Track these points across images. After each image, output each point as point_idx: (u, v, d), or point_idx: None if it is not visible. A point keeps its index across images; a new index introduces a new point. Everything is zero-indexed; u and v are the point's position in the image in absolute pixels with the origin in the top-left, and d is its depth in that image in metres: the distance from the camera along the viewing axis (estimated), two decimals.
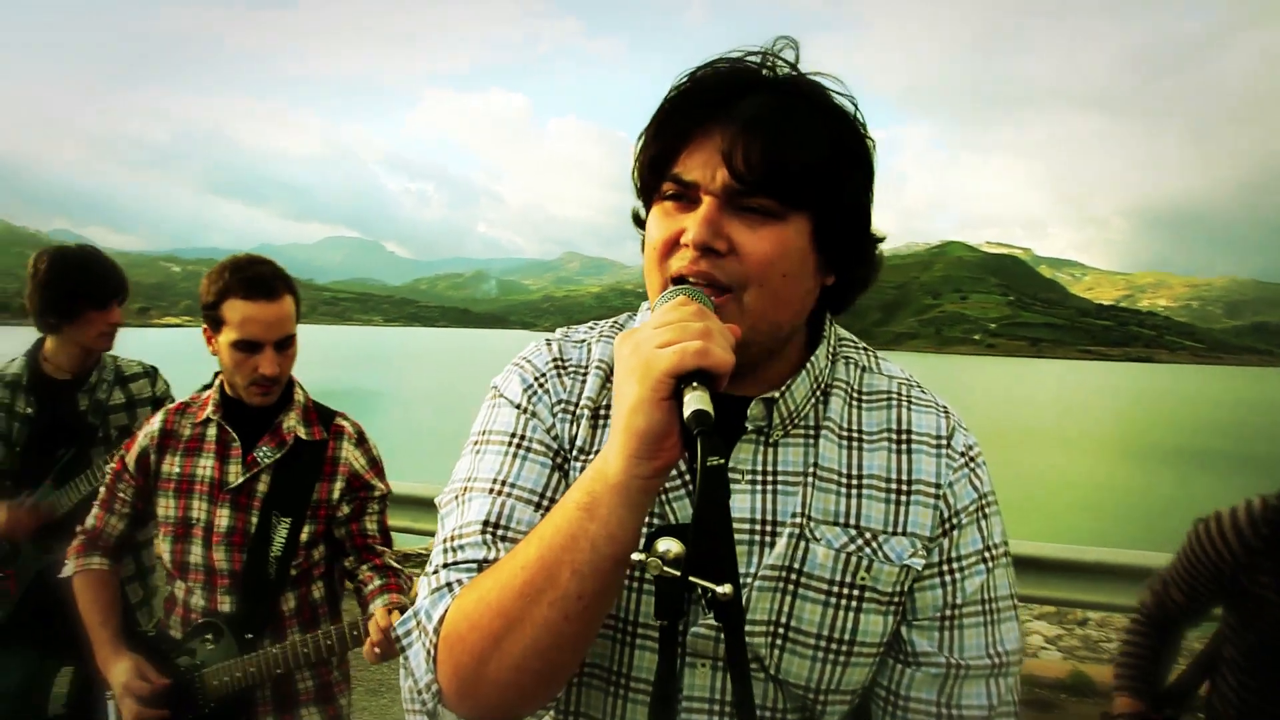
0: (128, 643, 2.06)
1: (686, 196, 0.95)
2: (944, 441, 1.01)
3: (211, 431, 2.06)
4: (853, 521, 0.98)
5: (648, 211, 1.01)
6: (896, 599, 0.98)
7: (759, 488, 0.98)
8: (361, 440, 2.14)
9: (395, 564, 2.09)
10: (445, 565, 0.94)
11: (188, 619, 2.04)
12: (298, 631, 2.02)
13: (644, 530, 0.83)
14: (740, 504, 0.97)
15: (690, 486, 0.95)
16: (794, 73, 0.96)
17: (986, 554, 1.00)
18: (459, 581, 0.91)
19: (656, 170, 0.96)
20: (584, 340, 1.10)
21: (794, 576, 0.95)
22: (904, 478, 1.00)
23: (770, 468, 0.99)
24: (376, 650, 1.84)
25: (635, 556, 0.75)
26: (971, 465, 1.02)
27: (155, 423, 2.11)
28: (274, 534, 1.97)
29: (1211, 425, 49.58)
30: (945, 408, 1.05)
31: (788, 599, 0.96)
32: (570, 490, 0.84)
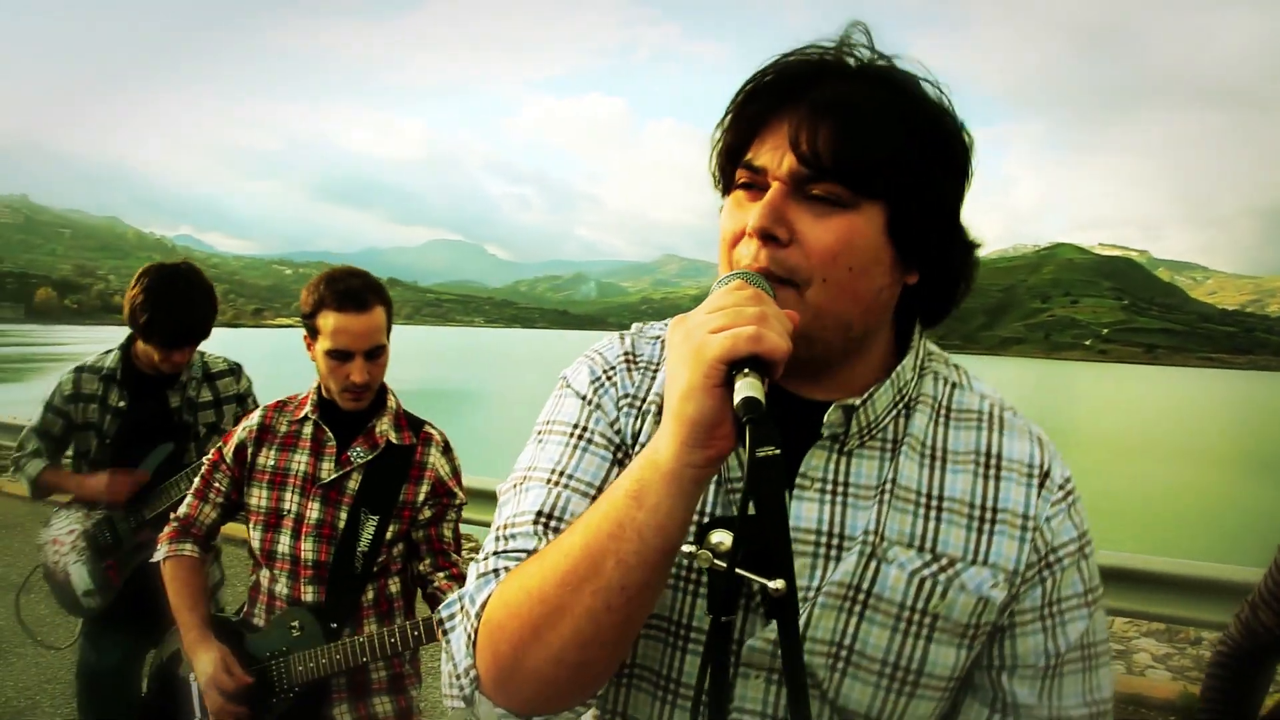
0: (215, 630, 2.09)
1: (757, 184, 0.90)
2: (1037, 472, 0.94)
3: (308, 429, 2.14)
4: (928, 545, 0.91)
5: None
6: (971, 632, 0.90)
7: (828, 498, 0.92)
8: (447, 449, 2.22)
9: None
10: (495, 553, 0.91)
11: (271, 605, 2.11)
12: (375, 622, 2.10)
13: (695, 523, 0.83)
14: (807, 513, 0.91)
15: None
16: (873, 59, 0.91)
17: (1088, 597, 0.95)
18: (505, 569, 0.88)
19: (731, 160, 0.94)
20: (659, 335, 1.05)
21: (861, 597, 0.89)
22: (989, 504, 0.92)
23: (842, 478, 0.93)
24: None
25: (686, 549, 0.75)
26: (1070, 501, 0.95)
27: (255, 418, 2.19)
28: (362, 530, 2.05)
29: None
30: (1040, 436, 0.98)
31: (853, 620, 0.89)
32: (619, 478, 0.80)
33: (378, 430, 2.14)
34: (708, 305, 0.78)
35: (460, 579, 2.04)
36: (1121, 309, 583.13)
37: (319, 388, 2.18)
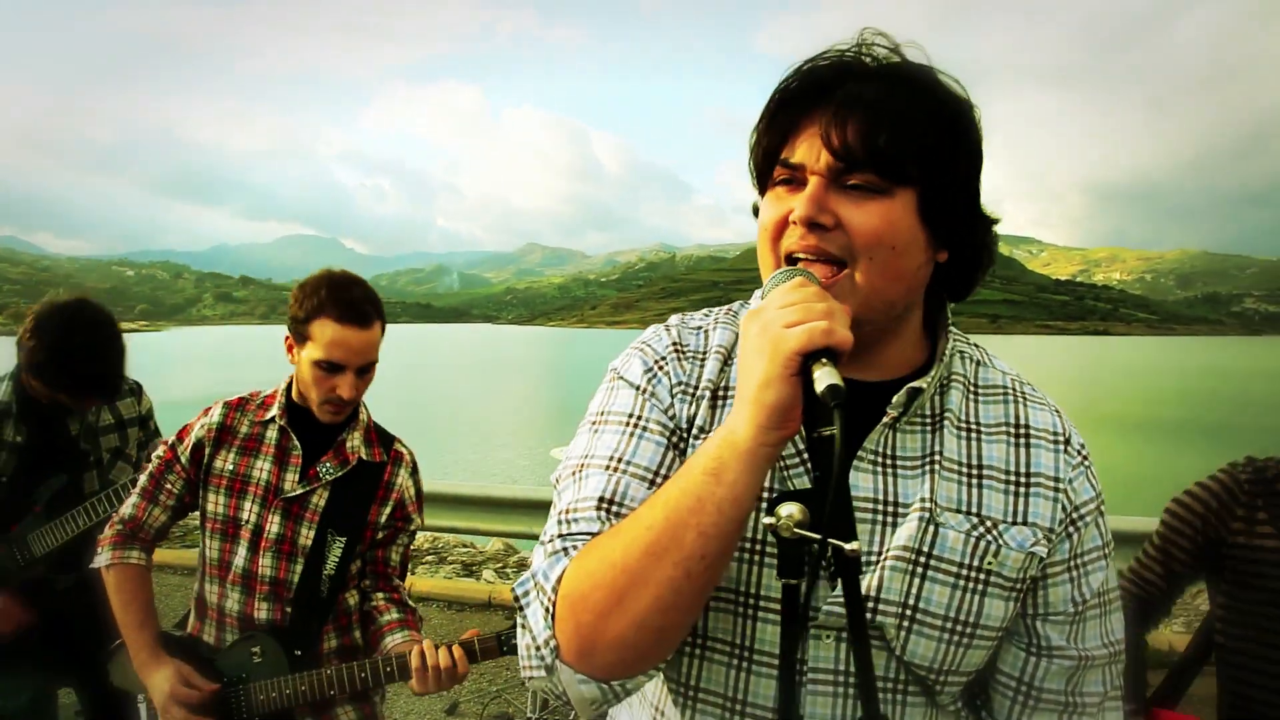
0: (167, 648, 1.99)
1: (795, 179, 0.99)
2: (1062, 439, 1.05)
3: (272, 434, 2.03)
4: (974, 510, 1.00)
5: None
6: (1019, 585, 1.00)
7: (879, 469, 1.00)
8: (415, 470, 2.15)
9: (410, 602, 2.09)
10: (560, 535, 0.97)
11: (222, 621, 2.00)
12: (334, 636, 2.04)
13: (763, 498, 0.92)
14: (863, 483, 0.99)
15: (806, 458, 1.00)
16: (894, 59, 1.00)
17: (1105, 550, 1.06)
18: (575, 548, 0.94)
19: (769, 159, 1.02)
20: (700, 326, 1.13)
21: (923, 559, 0.98)
22: (1023, 470, 1.03)
23: (890, 451, 1.01)
24: (424, 678, 1.85)
25: (766, 521, 0.83)
26: (1087, 464, 1.06)
27: (215, 415, 2.06)
28: (329, 552, 1.97)
29: (1167, 395, 48.59)
30: (1057, 408, 1.09)
31: (917, 580, 0.97)
32: (694, 457, 0.87)
33: (349, 446, 2.06)
34: (779, 301, 0.85)
35: (399, 604, 2.06)
36: None
37: (288, 389, 2.07)
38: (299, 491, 1.99)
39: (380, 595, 2.08)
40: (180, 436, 2.08)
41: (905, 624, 0.97)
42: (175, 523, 2.13)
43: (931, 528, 0.98)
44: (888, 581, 0.97)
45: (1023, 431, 1.05)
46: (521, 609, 0.95)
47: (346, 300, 1.93)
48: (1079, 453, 1.06)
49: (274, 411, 2.04)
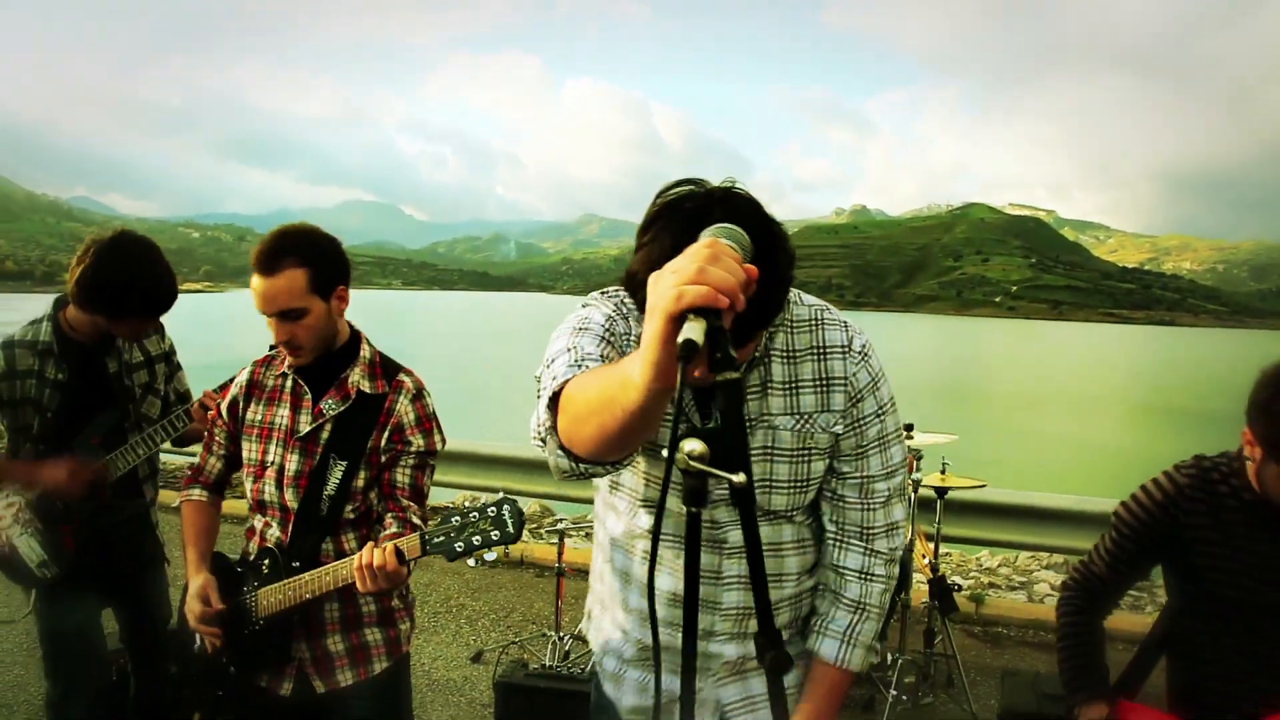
0: (213, 564, 2.26)
1: None
2: (846, 348, 1.57)
3: (288, 384, 2.24)
4: (796, 410, 1.56)
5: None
6: (829, 449, 1.60)
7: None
8: (418, 396, 2.25)
9: (418, 520, 2.18)
10: (573, 363, 1.34)
11: (261, 547, 2.23)
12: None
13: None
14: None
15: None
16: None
17: (879, 412, 1.60)
18: (580, 366, 1.32)
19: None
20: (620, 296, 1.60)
21: (769, 452, 1.57)
22: (823, 376, 1.57)
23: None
24: (356, 573, 1.97)
25: (665, 454, 0.95)
26: (865, 358, 1.58)
27: (245, 374, 2.32)
28: (330, 475, 2.16)
29: (1232, 389, 42.48)
30: (846, 322, 1.59)
31: (769, 464, 1.57)
32: (621, 363, 1.10)
33: (350, 381, 2.22)
34: (674, 263, 0.94)
35: (398, 521, 2.17)
36: (1029, 267, 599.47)
37: None
38: (309, 429, 2.19)
39: (389, 515, 2.21)
40: (224, 395, 2.36)
41: (766, 491, 1.58)
42: (233, 470, 2.39)
43: (771, 431, 1.55)
44: (755, 471, 1.54)
45: (820, 350, 1.57)
46: (539, 393, 1.32)
47: (259, 250, 2.07)
48: (859, 352, 1.58)
49: (286, 364, 2.25)
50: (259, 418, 2.26)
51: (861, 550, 1.64)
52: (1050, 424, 25.23)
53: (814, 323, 1.58)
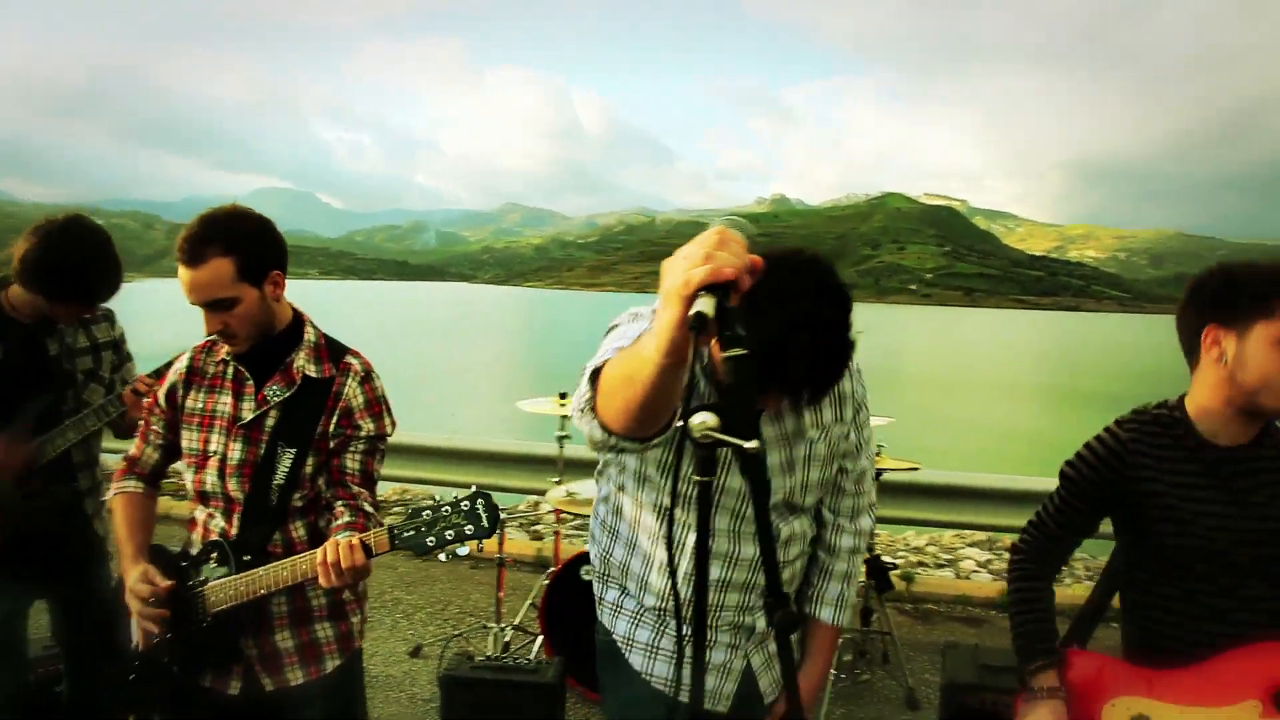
0: (151, 556, 2.17)
1: None
2: (855, 366, 1.88)
3: (229, 371, 2.16)
4: (819, 424, 1.84)
5: None
6: (840, 453, 1.92)
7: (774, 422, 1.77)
8: (367, 379, 2.19)
9: (369, 508, 2.13)
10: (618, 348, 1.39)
11: (206, 539, 2.15)
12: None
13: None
14: (769, 432, 1.75)
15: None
16: None
17: (867, 412, 1.94)
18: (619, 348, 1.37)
19: None
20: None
21: (806, 461, 1.82)
22: (837, 394, 1.86)
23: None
24: (319, 570, 1.91)
25: (678, 423, 1.04)
26: (859, 373, 1.90)
27: (184, 361, 2.23)
28: (278, 464, 2.09)
29: (1132, 371, 48.79)
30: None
31: (805, 471, 1.83)
32: (640, 341, 1.19)
33: (295, 366, 2.15)
34: (684, 250, 1.05)
35: (351, 509, 2.11)
36: (943, 255, 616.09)
37: None
38: (253, 416, 2.12)
39: (339, 504, 2.14)
40: (161, 382, 2.27)
41: (802, 492, 1.82)
42: (171, 461, 2.31)
43: (808, 444, 1.79)
44: (796, 476, 1.79)
45: None
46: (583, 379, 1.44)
47: (183, 239, 1.99)
48: (857, 370, 1.84)
49: (225, 351, 2.17)
50: (200, 405, 2.17)
51: (852, 532, 1.96)
52: (967, 408, 25.86)
53: None
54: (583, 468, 5.40)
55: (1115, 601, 2.12)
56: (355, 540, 1.91)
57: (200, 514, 2.20)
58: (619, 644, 1.90)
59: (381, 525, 2.00)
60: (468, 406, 20.70)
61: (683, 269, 1.01)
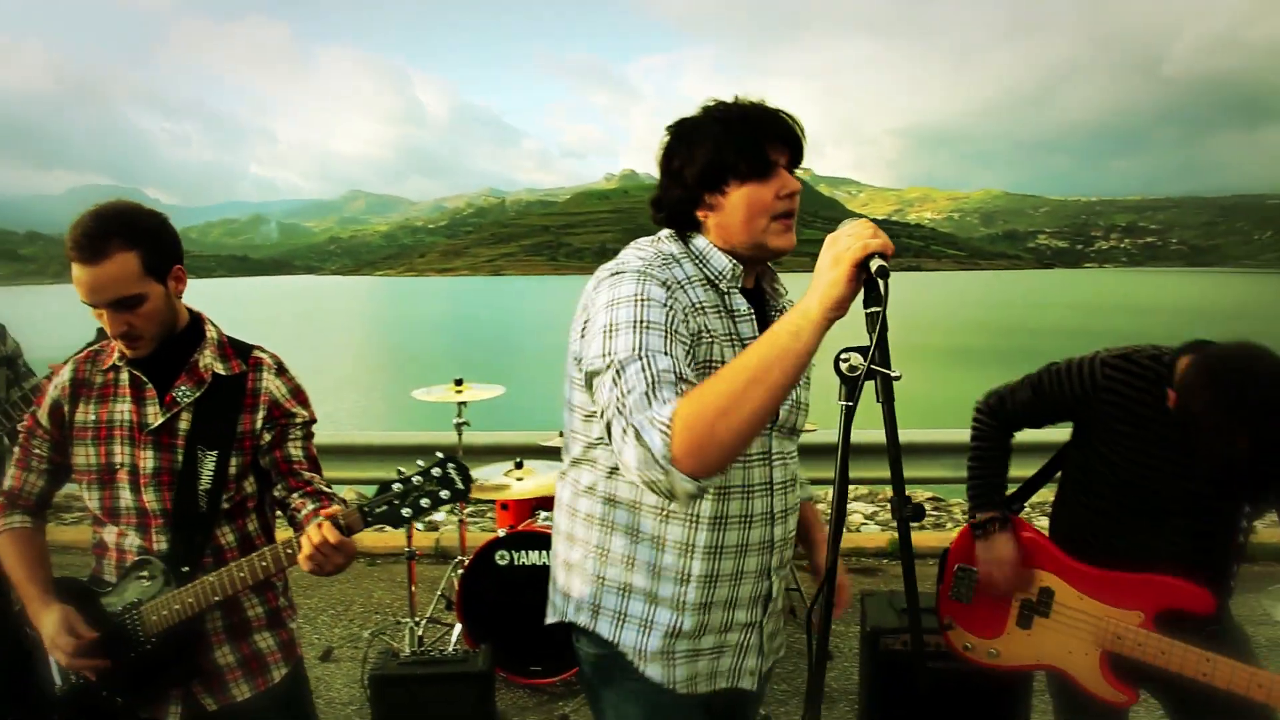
0: (63, 592, 2.04)
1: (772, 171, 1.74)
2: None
3: (124, 377, 2.04)
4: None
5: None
6: None
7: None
8: (281, 370, 2.15)
9: (327, 489, 2.10)
10: (652, 394, 1.40)
11: (122, 561, 2.04)
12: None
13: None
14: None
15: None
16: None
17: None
18: (668, 400, 1.38)
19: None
20: (666, 264, 1.68)
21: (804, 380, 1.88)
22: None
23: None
24: (310, 560, 1.84)
25: (842, 366, 1.41)
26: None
27: (65, 374, 2.10)
28: (201, 469, 2.00)
29: (971, 325, 51.84)
30: None
31: (804, 390, 1.90)
32: (777, 326, 1.37)
33: (201, 365, 2.06)
34: (848, 230, 1.38)
35: (313, 495, 2.07)
36: None
37: None
38: (162, 420, 2.00)
39: (296, 495, 2.08)
40: (38, 403, 2.11)
41: (799, 413, 1.82)
42: (57, 487, 2.17)
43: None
44: (793, 395, 1.77)
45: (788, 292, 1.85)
46: (639, 438, 1.35)
47: (77, 236, 1.88)
48: None
49: (116, 357, 2.04)
50: (93, 418, 2.03)
51: None
52: (821, 368, 26.85)
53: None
54: (479, 455, 5.34)
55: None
56: (336, 511, 1.84)
57: (109, 534, 2.05)
58: (628, 656, 1.73)
59: (345, 504, 1.94)
60: (328, 402, 20.09)
61: (855, 240, 1.34)
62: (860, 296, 1.36)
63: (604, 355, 1.49)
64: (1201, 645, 2.01)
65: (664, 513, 1.68)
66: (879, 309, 1.31)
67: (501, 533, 4.05)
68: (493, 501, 5.67)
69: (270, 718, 2.12)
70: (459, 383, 4.57)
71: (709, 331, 1.64)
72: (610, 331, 1.51)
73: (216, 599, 1.95)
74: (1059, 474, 2.40)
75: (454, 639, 4.10)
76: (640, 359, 1.45)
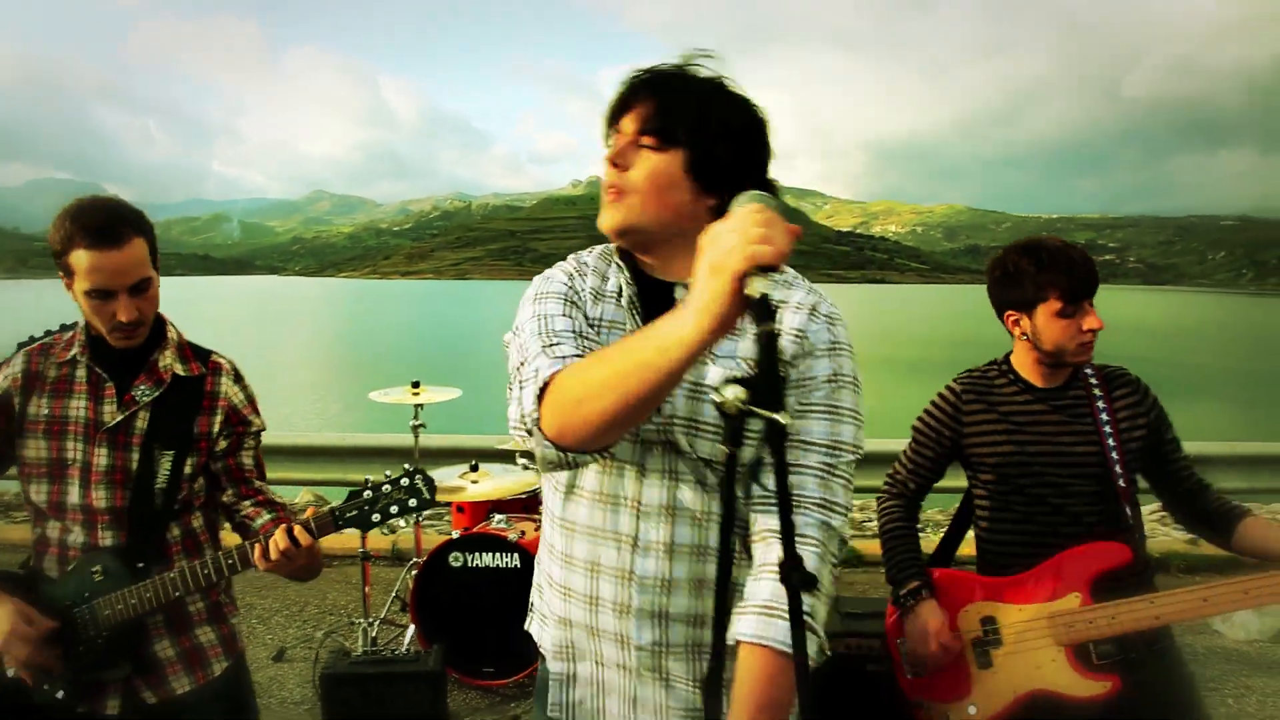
0: (4, 587, 2.01)
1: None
2: (809, 308, 1.45)
3: (80, 372, 2.06)
4: (737, 355, 1.42)
5: None
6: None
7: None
8: (239, 377, 2.20)
9: (277, 499, 2.18)
10: (548, 353, 1.36)
11: (64, 556, 2.05)
12: (183, 558, 2.09)
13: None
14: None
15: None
16: (692, 68, 1.46)
17: (834, 378, 1.44)
18: (562, 359, 1.33)
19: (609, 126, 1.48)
20: (584, 261, 1.58)
21: (699, 389, 1.41)
22: (781, 325, 1.45)
23: None
24: (276, 565, 1.90)
25: (715, 398, 1.08)
26: (830, 322, 1.46)
27: (17, 365, 2.09)
28: (157, 468, 2.04)
29: (935, 337, 52.60)
30: (820, 292, 1.50)
31: (698, 404, 1.41)
32: (651, 329, 1.16)
33: (161, 365, 2.08)
34: (729, 225, 1.06)
35: (266, 504, 2.13)
36: None
37: (86, 326, 2.07)
38: (120, 419, 2.02)
39: (247, 503, 2.13)
40: None
41: (692, 432, 1.43)
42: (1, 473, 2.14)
43: (702, 368, 1.41)
44: (678, 405, 1.42)
45: (783, 304, 1.46)
46: (521, 388, 1.33)
47: (95, 224, 1.91)
48: (825, 315, 1.47)
49: (75, 350, 2.05)
50: (45, 411, 2.03)
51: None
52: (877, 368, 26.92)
53: (782, 283, 1.50)
54: (436, 457, 5.36)
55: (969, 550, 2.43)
56: (301, 520, 1.90)
57: (52, 529, 2.06)
58: (549, 670, 1.61)
59: (293, 514, 1.98)
60: (285, 404, 19.90)
61: (740, 245, 1.03)
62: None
63: (513, 329, 1.49)
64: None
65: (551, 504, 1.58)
66: (769, 328, 1.00)
67: (456, 535, 4.09)
68: (449, 504, 5.70)
69: (209, 711, 2.14)
70: (416, 385, 4.59)
71: (606, 321, 1.51)
72: (519, 312, 1.52)
73: (176, 594, 1.96)
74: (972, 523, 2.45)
75: (408, 640, 4.12)
76: (538, 320, 1.44)
